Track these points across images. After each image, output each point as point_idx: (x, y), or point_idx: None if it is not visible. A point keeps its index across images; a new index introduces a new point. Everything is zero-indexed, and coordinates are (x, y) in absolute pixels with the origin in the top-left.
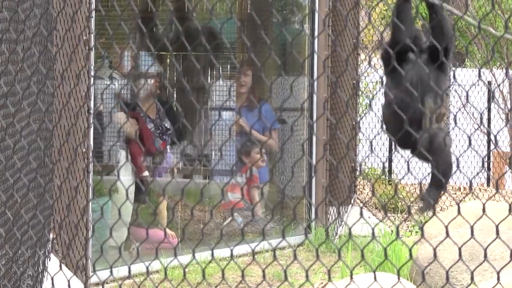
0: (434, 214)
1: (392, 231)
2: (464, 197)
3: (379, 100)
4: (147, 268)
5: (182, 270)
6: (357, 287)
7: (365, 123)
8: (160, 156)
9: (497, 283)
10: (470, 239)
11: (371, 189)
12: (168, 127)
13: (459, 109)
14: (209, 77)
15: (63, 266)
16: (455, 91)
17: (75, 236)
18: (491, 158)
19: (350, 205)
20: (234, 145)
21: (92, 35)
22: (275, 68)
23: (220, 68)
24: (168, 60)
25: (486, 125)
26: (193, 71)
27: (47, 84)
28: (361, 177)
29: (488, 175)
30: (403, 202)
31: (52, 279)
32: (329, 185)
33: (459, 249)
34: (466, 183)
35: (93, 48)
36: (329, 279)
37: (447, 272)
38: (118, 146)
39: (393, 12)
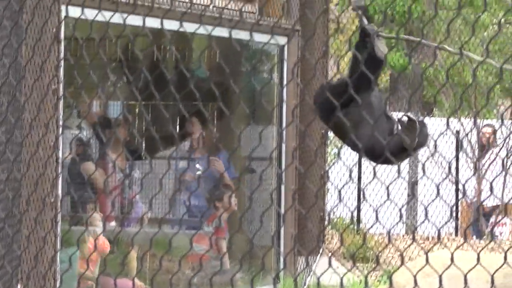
0: (402, 263)
1: (360, 280)
2: (432, 247)
3: (347, 150)
4: None
5: None
6: None
7: (333, 173)
8: (129, 206)
9: None
10: None
11: (339, 238)
12: (137, 176)
13: (427, 158)
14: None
15: None
16: None
17: (43, 287)
18: (459, 208)
19: (319, 255)
20: (202, 194)
21: (61, 84)
22: (244, 117)
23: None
24: (137, 109)
25: (454, 175)
26: (162, 120)
27: (16, 133)
28: (329, 227)
29: (457, 225)
30: (371, 252)
31: None
32: (297, 235)
33: None
34: (435, 233)
35: (62, 98)
36: None
37: None
38: (87, 196)
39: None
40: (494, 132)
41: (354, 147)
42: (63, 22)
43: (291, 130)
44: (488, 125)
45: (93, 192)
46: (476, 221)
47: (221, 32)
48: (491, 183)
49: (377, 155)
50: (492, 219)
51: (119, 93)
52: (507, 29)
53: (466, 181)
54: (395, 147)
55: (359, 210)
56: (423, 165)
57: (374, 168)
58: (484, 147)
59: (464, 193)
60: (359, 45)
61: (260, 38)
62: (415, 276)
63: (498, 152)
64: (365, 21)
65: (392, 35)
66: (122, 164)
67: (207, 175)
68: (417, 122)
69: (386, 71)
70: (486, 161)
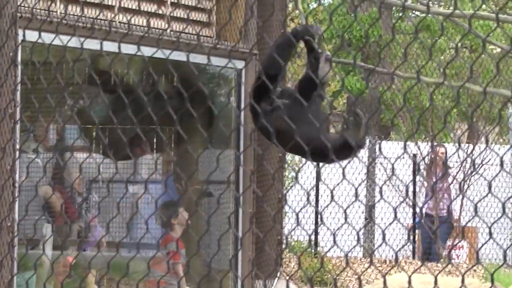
0: (360, 287)
1: None
2: (389, 270)
3: (305, 173)
4: None
5: None
6: None
7: (291, 196)
8: (87, 230)
9: None
10: None
11: (297, 262)
12: (95, 200)
13: (385, 182)
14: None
15: None
16: (381, 163)
17: None
18: (417, 231)
19: (276, 278)
20: (156, 218)
21: (18, 108)
22: (202, 141)
23: (147, 142)
24: (94, 133)
25: (411, 198)
26: (120, 144)
27: None
28: (287, 250)
29: (414, 248)
30: (329, 275)
31: None
32: (255, 258)
33: None
34: (392, 256)
35: (19, 122)
36: None
37: None
38: (43, 219)
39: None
40: (446, 152)
41: (296, 149)
42: (20, 46)
43: (249, 154)
44: (441, 145)
45: (51, 216)
46: (434, 244)
47: (179, 56)
48: (448, 206)
49: (322, 155)
50: (449, 242)
51: (76, 117)
52: (463, 53)
53: (423, 205)
54: (338, 145)
55: (316, 234)
56: (380, 188)
57: (331, 192)
58: (437, 168)
59: (422, 217)
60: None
61: (217, 62)
62: None
63: (456, 175)
64: (315, 46)
65: (348, 61)
66: (80, 187)
67: (163, 198)
68: (362, 117)
69: (343, 94)
70: (443, 184)
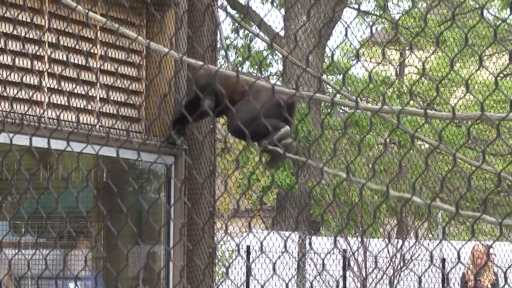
0: None
1: None
2: None
3: (235, 269)
4: None
5: None
6: None
7: None
8: None
9: None
10: None
11: None
12: None
13: (315, 277)
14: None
15: None
16: (311, 259)
17: None
18: None
19: None
20: None
21: None
22: (131, 236)
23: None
24: (23, 230)
25: None
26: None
27: None
28: None
29: None
30: None
31: None
32: None
33: None
34: None
35: None
36: None
37: None
38: None
39: None
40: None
41: None
42: None
43: (179, 249)
44: (482, 244)
45: None
46: None
47: (108, 151)
48: None
49: None
50: None
51: (5, 212)
52: (392, 148)
53: None
54: None
55: None
56: (311, 283)
57: (262, 287)
58: (479, 266)
59: None
60: None
61: (147, 157)
62: None
63: (386, 270)
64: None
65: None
66: (8, 284)
67: None
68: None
69: (273, 190)
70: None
